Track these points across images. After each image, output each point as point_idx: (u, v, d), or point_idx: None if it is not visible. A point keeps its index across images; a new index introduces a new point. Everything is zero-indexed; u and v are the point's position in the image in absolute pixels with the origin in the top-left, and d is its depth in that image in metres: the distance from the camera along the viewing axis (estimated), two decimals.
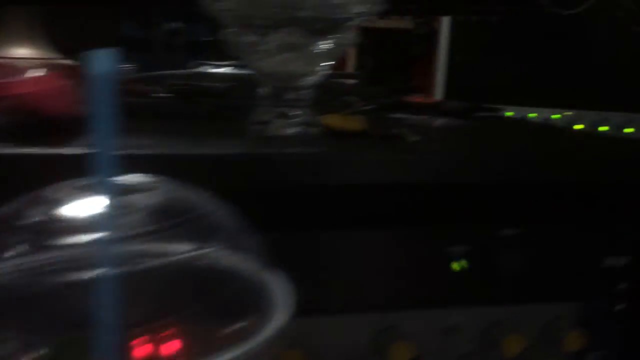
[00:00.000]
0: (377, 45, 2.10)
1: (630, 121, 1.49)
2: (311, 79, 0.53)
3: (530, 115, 1.58)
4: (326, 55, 0.49)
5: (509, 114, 1.59)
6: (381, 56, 2.10)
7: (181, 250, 0.30)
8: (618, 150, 0.55)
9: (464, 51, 1.61)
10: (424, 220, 0.49)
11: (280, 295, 0.31)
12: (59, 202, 0.28)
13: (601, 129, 1.51)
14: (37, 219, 0.28)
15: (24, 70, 0.43)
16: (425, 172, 0.47)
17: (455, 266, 0.50)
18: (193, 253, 0.30)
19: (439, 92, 1.71)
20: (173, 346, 0.27)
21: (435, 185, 0.48)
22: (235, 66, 0.71)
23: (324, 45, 0.48)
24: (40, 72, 0.43)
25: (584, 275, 0.53)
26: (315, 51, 0.48)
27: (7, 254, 0.27)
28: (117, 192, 0.25)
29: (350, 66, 1.92)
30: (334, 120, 0.53)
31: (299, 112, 0.54)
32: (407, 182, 0.47)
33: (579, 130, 1.38)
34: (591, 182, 0.51)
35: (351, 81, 1.01)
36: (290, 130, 0.53)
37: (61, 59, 0.75)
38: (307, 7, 0.45)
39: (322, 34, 0.47)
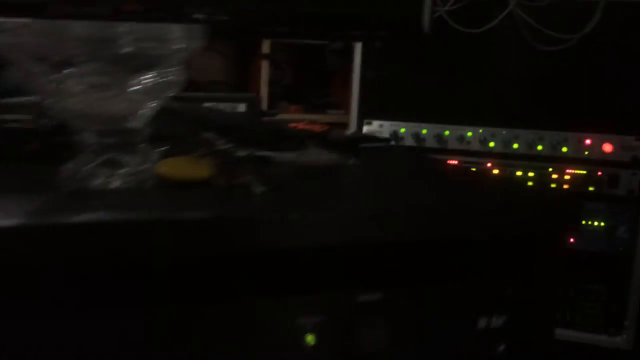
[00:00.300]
0: (293, 60, 2.03)
1: (540, 138, 1.50)
2: (140, 120, 0.45)
3: (446, 132, 1.56)
4: (150, 93, 0.41)
5: (424, 131, 1.57)
6: (298, 72, 2.03)
7: None
8: (494, 201, 0.49)
9: (376, 67, 1.57)
10: (269, 289, 0.42)
11: None
12: None
13: (514, 146, 1.52)
14: None
15: None
16: (268, 234, 0.40)
17: (309, 339, 0.43)
18: None
19: (354, 108, 1.66)
20: None
21: (280, 249, 0.41)
22: None
23: (145, 82, 0.40)
24: None
25: (460, 338, 0.48)
26: (134, 89, 0.40)
27: None
28: None
29: (265, 83, 1.84)
30: (173, 168, 0.46)
31: (129, 159, 0.45)
32: (247, 247, 0.40)
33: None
34: (464, 237, 0.45)
35: (241, 106, 0.94)
36: (117, 183, 0.44)
37: None
38: (120, 43, 0.38)
39: (141, 71, 0.39)
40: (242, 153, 0.57)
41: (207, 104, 0.88)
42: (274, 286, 0.42)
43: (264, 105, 1.91)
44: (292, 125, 0.87)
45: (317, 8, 0.67)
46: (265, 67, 1.85)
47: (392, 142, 0.77)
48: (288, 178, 0.53)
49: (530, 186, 1.42)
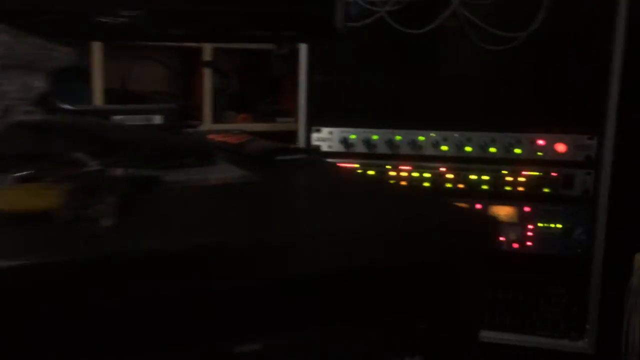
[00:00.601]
0: (239, 68, 1.95)
1: (493, 140, 1.47)
2: None
3: (397, 137, 1.52)
4: None
5: (375, 137, 1.51)
6: (244, 79, 1.95)
7: None
8: (401, 224, 0.42)
9: (324, 72, 1.51)
10: (117, 347, 0.34)
11: None
12: None
13: (467, 149, 1.48)
14: None
15: None
16: (108, 279, 0.32)
17: None
18: None
19: (302, 115, 1.60)
20: None
21: (126, 296, 0.33)
22: None
23: None
24: None
25: None
26: None
27: None
28: None
29: (208, 92, 1.76)
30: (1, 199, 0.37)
31: None
32: (80, 298, 0.32)
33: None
34: (365, 267, 0.38)
35: (157, 118, 0.86)
36: None
37: None
38: None
39: None
40: (119, 174, 0.49)
41: (116, 117, 0.80)
42: (123, 343, 0.34)
43: (209, 115, 1.83)
44: (210, 137, 0.80)
45: (220, 7, 0.60)
46: (208, 76, 1.76)
47: (315, 150, 0.69)
48: (163, 203, 0.45)
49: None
